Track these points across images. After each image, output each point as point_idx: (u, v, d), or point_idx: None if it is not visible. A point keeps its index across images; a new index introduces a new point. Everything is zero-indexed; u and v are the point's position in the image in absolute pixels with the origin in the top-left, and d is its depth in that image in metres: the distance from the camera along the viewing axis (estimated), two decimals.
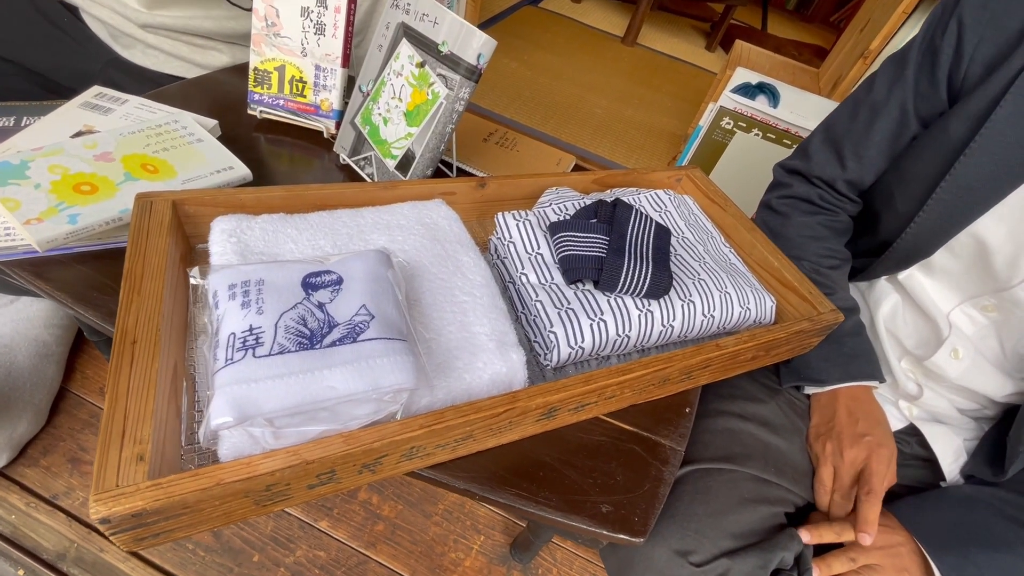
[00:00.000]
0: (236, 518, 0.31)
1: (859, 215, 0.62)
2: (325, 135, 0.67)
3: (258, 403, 0.27)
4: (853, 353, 0.54)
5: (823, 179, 0.60)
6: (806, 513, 0.53)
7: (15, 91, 0.76)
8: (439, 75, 0.53)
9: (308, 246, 0.42)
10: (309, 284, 0.33)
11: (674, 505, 0.47)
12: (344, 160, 0.63)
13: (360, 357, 0.30)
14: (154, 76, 0.82)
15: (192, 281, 0.34)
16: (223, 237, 0.40)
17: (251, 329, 0.29)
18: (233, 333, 0.29)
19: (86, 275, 0.44)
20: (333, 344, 0.30)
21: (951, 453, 0.55)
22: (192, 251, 0.45)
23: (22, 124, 0.53)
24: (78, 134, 0.52)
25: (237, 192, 0.45)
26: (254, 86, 0.65)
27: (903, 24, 1.18)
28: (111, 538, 0.28)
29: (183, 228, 0.44)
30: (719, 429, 0.53)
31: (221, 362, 0.28)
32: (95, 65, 0.82)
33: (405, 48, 0.56)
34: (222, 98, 0.69)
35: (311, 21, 0.62)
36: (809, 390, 0.57)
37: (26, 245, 0.42)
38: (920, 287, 0.54)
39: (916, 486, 0.56)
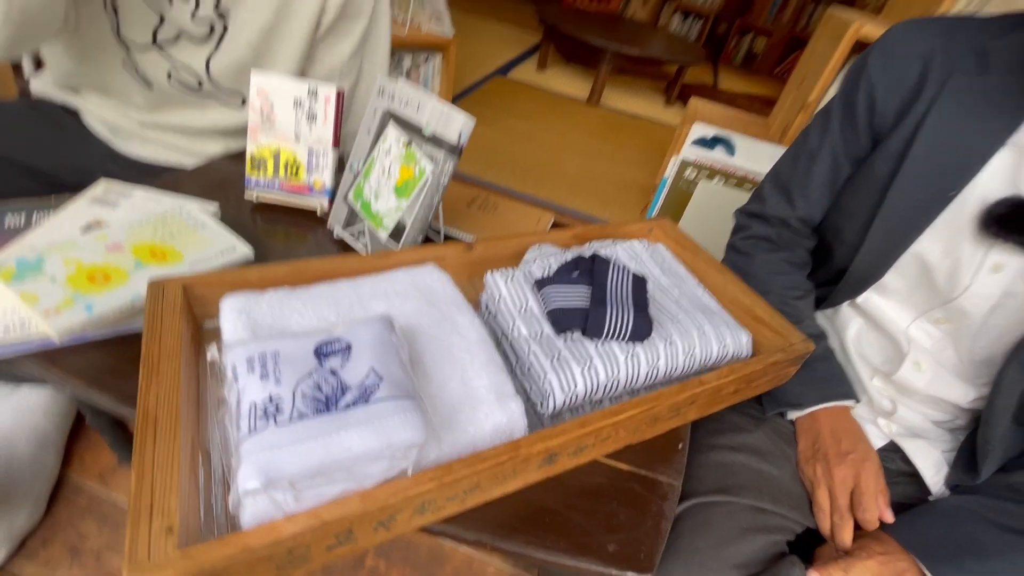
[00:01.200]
0: None
1: (816, 249, 0.67)
2: (319, 213, 0.71)
3: (282, 467, 0.29)
4: (825, 376, 0.58)
5: (778, 218, 0.65)
6: (806, 539, 0.54)
7: (20, 190, 0.79)
8: (425, 153, 0.58)
9: (313, 317, 0.44)
10: (321, 352, 0.35)
11: (676, 541, 0.48)
12: (338, 234, 0.67)
13: (373, 417, 0.32)
14: (151, 168, 0.87)
15: (210, 357, 0.36)
16: (233, 315, 0.42)
17: (271, 398, 0.31)
18: (254, 403, 0.31)
19: (99, 360, 0.46)
20: (347, 407, 0.32)
21: (932, 466, 0.57)
22: (200, 329, 0.47)
23: (32, 221, 0.56)
24: (88, 228, 0.55)
25: (242, 271, 0.48)
26: (251, 171, 0.69)
27: (835, 79, 1.29)
28: None
29: (192, 309, 0.46)
30: (712, 463, 0.55)
31: (245, 431, 0.30)
32: (94, 160, 0.86)
33: (392, 131, 0.61)
34: (220, 183, 0.73)
35: (303, 111, 0.67)
36: (791, 415, 0.60)
37: (42, 335, 0.44)
38: (878, 308, 0.58)
39: (906, 502, 0.58)
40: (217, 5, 0.74)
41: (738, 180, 1.26)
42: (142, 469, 0.31)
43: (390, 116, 0.62)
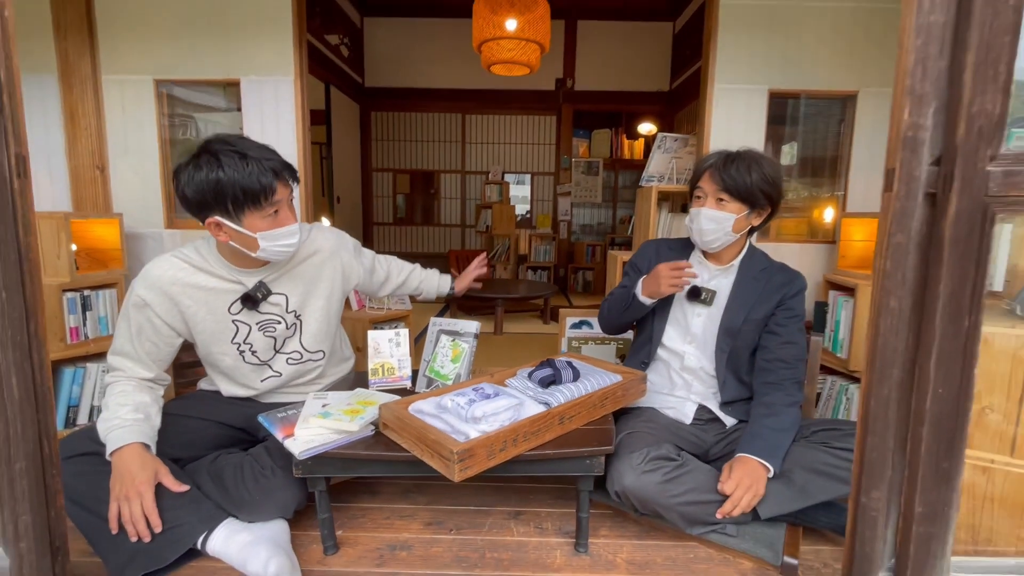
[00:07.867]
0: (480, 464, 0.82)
1: (639, 332, 1.35)
2: (408, 387, 1.25)
3: (483, 410, 0.84)
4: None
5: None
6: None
7: (218, 434, 1.22)
8: (463, 341, 1.21)
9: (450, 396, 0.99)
10: (475, 389, 0.91)
11: (621, 445, 1.01)
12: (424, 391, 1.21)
13: (503, 398, 0.88)
14: (286, 405, 1.33)
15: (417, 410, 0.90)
16: (422, 402, 0.96)
17: (469, 399, 0.87)
18: (467, 400, 0.86)
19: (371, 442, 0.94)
20: (491, 397, 0.88)
21: (716, 407, 1.19)
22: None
23: (297, 411, 1.05)
24: (324, 405, 1.05)
25: (404, 400, 1.02)
26: (371, 376, 1.24)
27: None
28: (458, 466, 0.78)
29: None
30: (627, 425, 1.11)
31: (467, 407, 0.85)
32: (254, 409, 1.31)
33: (444, 337, 1.24)
34: (356, 382, 1.26)
35: (393, 343, 1.28)
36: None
37: (347, 433, 0.92)
38: (671, 342, 1.25)
39: (715, 436, 1.17)
40: (294, 313, 1.27)
41: (601, 339, 2.01)
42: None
43: (441, 332, 1.26)
